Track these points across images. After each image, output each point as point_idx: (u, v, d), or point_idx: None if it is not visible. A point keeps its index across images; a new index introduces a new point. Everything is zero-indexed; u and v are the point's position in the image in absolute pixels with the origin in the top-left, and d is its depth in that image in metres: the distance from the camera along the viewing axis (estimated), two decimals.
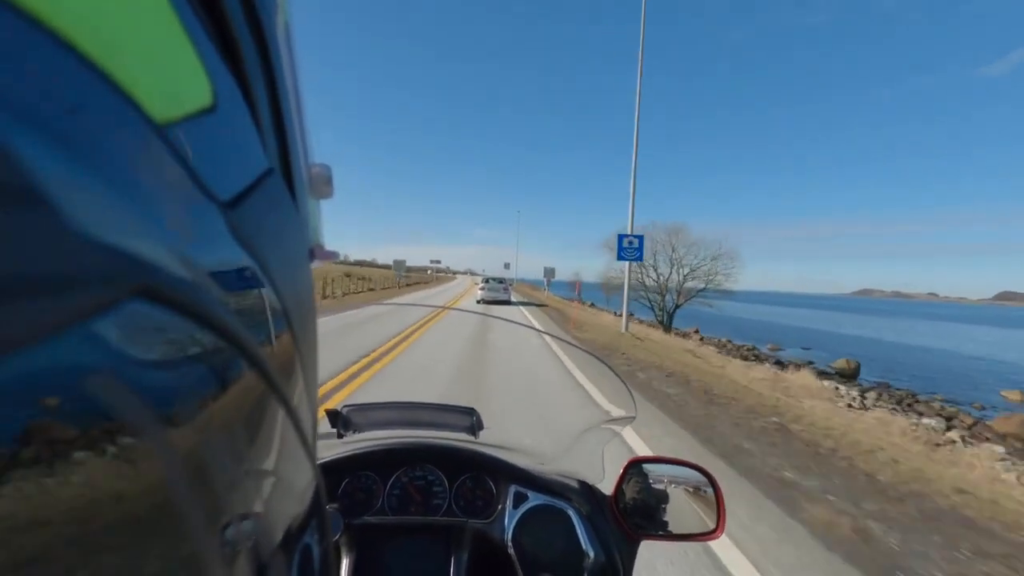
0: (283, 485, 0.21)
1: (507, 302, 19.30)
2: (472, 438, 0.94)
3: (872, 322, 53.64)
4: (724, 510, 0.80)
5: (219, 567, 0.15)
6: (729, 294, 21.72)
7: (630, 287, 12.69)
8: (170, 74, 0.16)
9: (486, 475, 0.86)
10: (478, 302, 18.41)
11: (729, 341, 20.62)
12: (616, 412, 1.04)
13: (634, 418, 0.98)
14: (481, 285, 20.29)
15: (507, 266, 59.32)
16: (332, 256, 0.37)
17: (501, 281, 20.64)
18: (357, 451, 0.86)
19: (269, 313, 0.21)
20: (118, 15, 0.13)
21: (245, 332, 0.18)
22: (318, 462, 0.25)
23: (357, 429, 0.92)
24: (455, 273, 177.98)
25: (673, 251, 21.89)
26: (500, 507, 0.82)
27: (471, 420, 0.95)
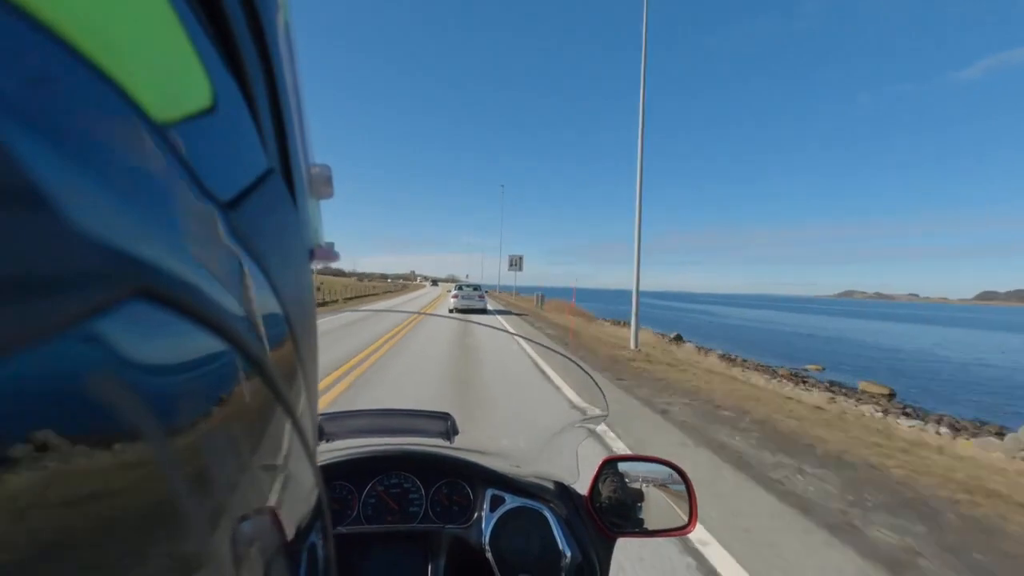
0: (287, 486, 0.21)
1: (483, 311, 18.34)
2: (447, 443, 0.94)
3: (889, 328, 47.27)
4: (696, 505, 0.82)
5: (228, 570, 0.15)
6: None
7: None
8: (170, 74, 0.16)
9: (462, 480, 0.85)
10: (451, 311, 17.31)
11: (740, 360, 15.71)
12: (591, 411, 1.04)
13: (606, 416, 0.99)
14: (454, 293, 19.16)
15: (515, 263, 29.85)
16: (333, 256, 0.37)
17: (476, 288, 19.77)
18: (330, 461, 0.84)
19: (270, 315, 0.21)
20: (118, 15, 0.13)
21: (246, 333, 0.18)
22: None
23: (330, 438, 0.90)
24: (426, 279, 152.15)
25: None
26: (477, 511, 0.82)
27: (446, 425, 0.94)
